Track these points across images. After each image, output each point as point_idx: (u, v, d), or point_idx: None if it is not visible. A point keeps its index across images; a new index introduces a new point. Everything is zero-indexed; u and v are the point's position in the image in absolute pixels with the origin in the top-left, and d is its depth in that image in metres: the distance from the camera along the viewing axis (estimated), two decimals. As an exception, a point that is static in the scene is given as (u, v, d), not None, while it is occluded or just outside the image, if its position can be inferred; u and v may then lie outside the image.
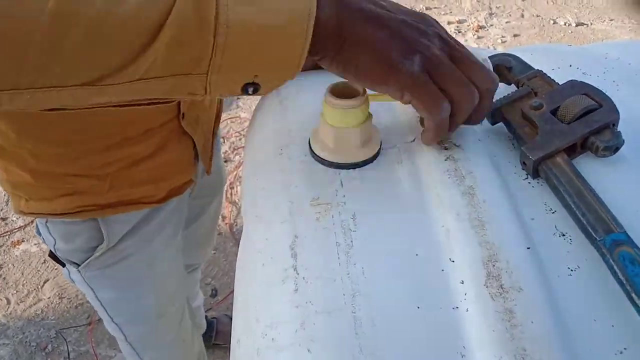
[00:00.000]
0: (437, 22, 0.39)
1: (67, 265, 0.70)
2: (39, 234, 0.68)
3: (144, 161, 0.63)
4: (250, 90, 0.34)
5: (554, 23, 2.58)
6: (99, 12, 0.29)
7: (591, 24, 2.59)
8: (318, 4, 0.32)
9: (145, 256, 0.71)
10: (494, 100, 0.44)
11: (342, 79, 0.42)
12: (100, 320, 1.42)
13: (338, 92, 0.41)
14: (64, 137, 0.57)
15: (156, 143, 0.62)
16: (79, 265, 0.68)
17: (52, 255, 0.69)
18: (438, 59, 0.35)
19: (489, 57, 0.49)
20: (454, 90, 0.36)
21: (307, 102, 0.51)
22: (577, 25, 2.56)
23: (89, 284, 0.71)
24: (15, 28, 0.28)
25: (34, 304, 1.49)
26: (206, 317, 1.31)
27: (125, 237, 0.67)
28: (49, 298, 1.50)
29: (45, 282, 1.54)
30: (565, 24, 2.57)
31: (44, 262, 1.60)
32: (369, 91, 0.40)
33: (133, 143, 0.60)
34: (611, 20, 2.60)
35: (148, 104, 0.56)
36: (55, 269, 1.57)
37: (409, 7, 0.39)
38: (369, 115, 0.41)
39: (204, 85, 0.33)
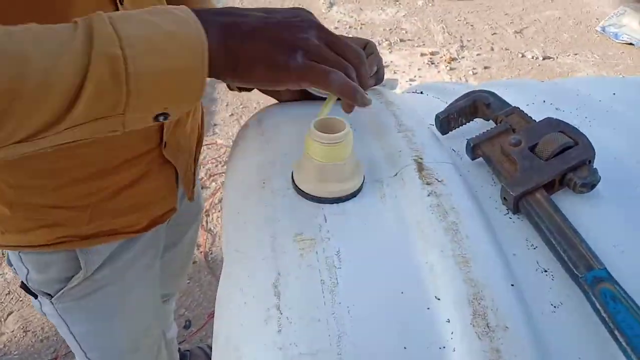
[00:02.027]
0: (309, 12, 0.45)
1: (40, 297, 0.66)
2: (10, 264, 0.65)
3: (126, 190, 0.61)
4: (161, 118, 0.39)
5: (522, 56, 2.68)
6: (31, 87, 0.33)
7: (557, 57, 2.70)
8: (207, 38, 0.37)
9: (121, 286, 0.69)
10: (474, 136, 0.45)
11: (325, 116, 0.42)
12: (66, 355, 1.36)
13: (321, 126, 0.41)
14: (45, 168, 0.55)
15: (137, 172, 0.61)
16: (52, 297, 0.65)
17: (24, 286, 0.66)
18: (317, 47, 0.42)
19: (468, 93, 0.50)
20: (335, 67, 0.42)
21: (289, 133, 0.51)
22: (543, 59, 2.67)
23: (62, 316, 0.68)
24: None
25: (-4, 338, 1.41)
26: (179, 349, 1.26)
27: (101, 267, 0.65)
28: (12, 332, 1.43)
29: (8, 315, 1.47)
30: (532, 58, 2.67)
31: (8, 293, 1.53)
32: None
33: (114, 172, 0.59)
34: (575, 54, 2.72)
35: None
36: (20, 300, 1.50)
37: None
38: (352, 150, 0.41)
39: (121, 123, 0.37)
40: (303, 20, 0.43)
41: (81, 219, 0.59)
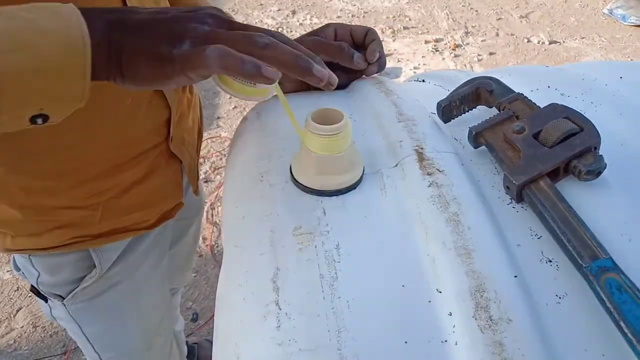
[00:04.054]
0: (217, 9, 0.39)
1: (50, 300, 0.66)
2: (18, 269, 0.64)
3: (135, 187, 0.61)
4: (40, 120, 0.35)
5: (527, 41, 2.64)
6: None
7: (563, 42, 2.66)
8: (91, 34, 0.34)
9: (133, 283, 0.69)
10: (476, 124, 0.44)
11: (321, 107, 0.41)
12: (75, 349, 1.37)
13: (319, 118, 0.40)
14: (54, 169, 0.54)
15: (145, 168, 0.61)
16: (64, 298, 0.65)
17: (34, 290, 0.66)
18: (211, 33, 0.36)
19: (471, 80, 0.49)
20: (236, 47, 0.35)
21: (287, 126, 0.50)
22: (550, 43, 2.63)
23: (74, 318, 0.67)
24: None
25: (6, 334, 1.43)
26: (187, 342, 1.27)
27: (113, 264, 0.65)
28: (22, 327, 1.44)
29: (18, 311, 1.48)
30: (538, 42, 2.63)
31: (17, 289, 1.54)
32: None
33: (123, 169, 0.58)
34: (582, 38, 2.68)
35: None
36: (29, 296, 1.51)
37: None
38: (351, 141, 0.41)
39: None
40: (199, 11, 0.38)
41: (93, 218, 0.59)
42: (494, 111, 0.48)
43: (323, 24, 0.56)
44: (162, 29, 0.36)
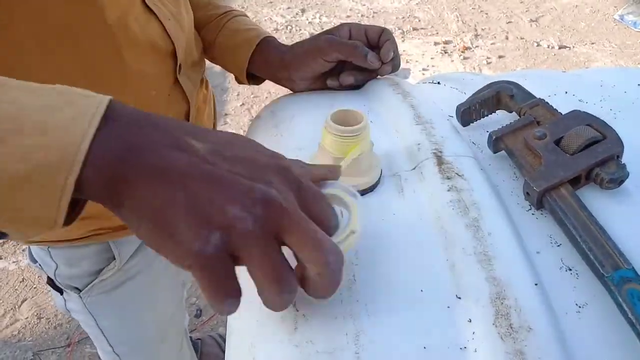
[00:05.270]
0: (287, 168, 0.30)
1: (66, 293, 0.66)
2: (34, 261, 0.65)
3: None
4: None
5: (537, 45, 2.63)
6: None
7: (573, 47, 2.64)
8: (90, 152, 0.25)
9: (149, 274, 0.69)
10: (496, 129, 0.44)
11: (341, 108, 0.41)
12: (79, 342, 1.37)
13: (338, 119, 0.40)
14: None
15: None
16: (80, 291, 0.65)
17: (50, 282, 0.66)
18: (248, 238, 0.26)
19: (491, 84, 0.49)
20: (259, 282, 0.27)
21: (303, 126, 0.50)
22: (559, 48, 2.61)
23: (90, 311, 0.68)
24: None
25: (11, 325, 1.43)
26: (190, 338, 1.27)
27: (132, 257, 0.65)
28: (26, 318, 1.44)
29: (23, 302, 1.49)
30: (548, 47, 2.62)
31: (22, 280, 1.54)
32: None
33: None
34: (592, 43, 2.66)
35: None
36: (34, 287, 1.52)
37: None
38: (370, 143, 0.40)
39: None
40: (266, 186, 0.27)
41: None
42: (512, 116, 0.48)
43: (332, 23, 0.56)
44: (195, 200, 0.26)
